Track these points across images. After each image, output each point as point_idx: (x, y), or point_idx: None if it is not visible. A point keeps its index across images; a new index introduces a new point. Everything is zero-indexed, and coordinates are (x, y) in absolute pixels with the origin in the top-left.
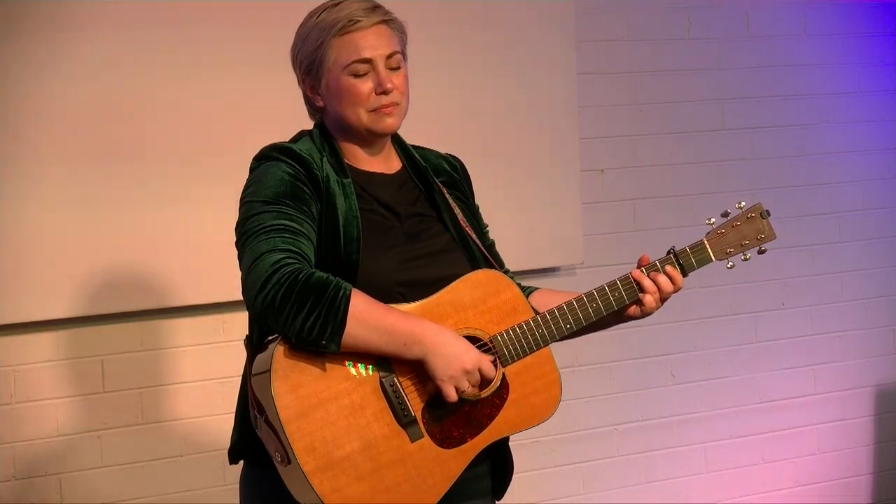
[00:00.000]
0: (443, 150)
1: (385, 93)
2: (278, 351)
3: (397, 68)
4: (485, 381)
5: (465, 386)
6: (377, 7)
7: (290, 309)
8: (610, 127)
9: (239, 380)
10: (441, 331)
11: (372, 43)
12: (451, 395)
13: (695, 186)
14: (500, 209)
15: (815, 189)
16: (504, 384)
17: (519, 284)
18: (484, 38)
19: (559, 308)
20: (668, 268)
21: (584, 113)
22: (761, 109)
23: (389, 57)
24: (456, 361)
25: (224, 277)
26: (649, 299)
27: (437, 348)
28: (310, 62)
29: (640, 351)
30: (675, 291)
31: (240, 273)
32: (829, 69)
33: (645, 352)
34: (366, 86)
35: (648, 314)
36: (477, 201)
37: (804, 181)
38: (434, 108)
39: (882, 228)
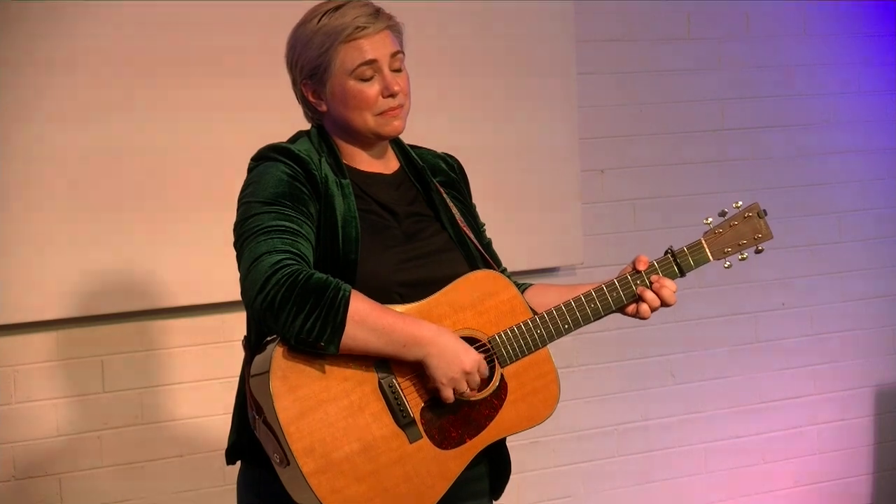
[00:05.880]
0: (443, 150)
1: (392, 95)
2: (277, 352)
3: (399, 70)
4: (483, 382)
5: (464, 387)
6: (379, 11)
7: (290, 310)
8: (610, 127)
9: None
10: (440, 332)
11: (377, 46)
12: (450, 397)
13: (695, 186)
14: (500, 209)
15: (815, 189)
16: (502, 385)
17: (516, 283)
18: (484, 38)
19: (557, 309)
20: (666, 280)
21: (584, 113)
22: (761, 109)
23: (393, 57)
24: (455, 363)
25: (223, 278)
26: (650, 295)
27: (436, 350)
28: (313, 67)
29: (640, 351)
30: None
31: (239, 273)
32: (829, 69)
33: (645, 352)
34: (373, 90)
35: (647, 314)
36: (477, 201)
37: (804, 181)
38: (434, 109)
39: (882, 228)
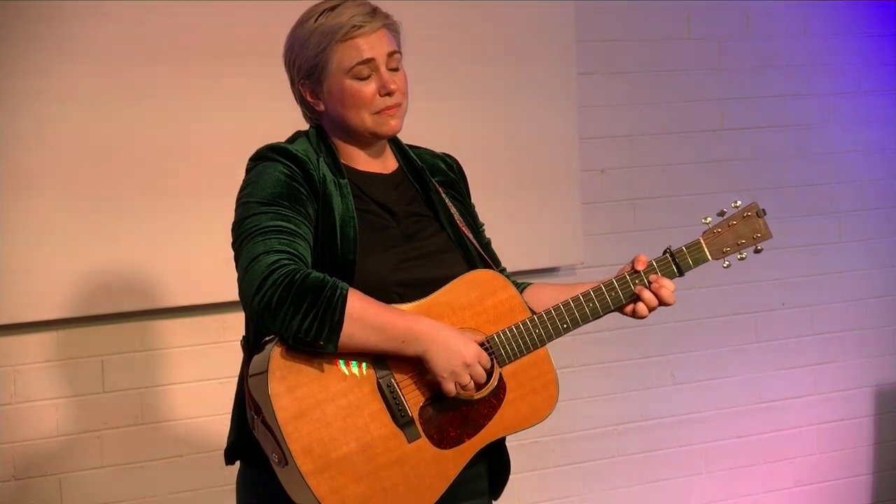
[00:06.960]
0: (442, 150)
1: (389, 94)
2: (275, 352)
3: (396, 69)
4: (482, 382)
5: (466, 380)
6: (376, 10)
7: (287, 310)
8: (610, 127)
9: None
10: (439, 326)
11: (374, 45)
12: (452, 391)
13: (695, 186)
14: (500, 209)
15: (815, 189)
16: (501, 384)
17: (514, 282)
18: (484, 38)
19: (556, 308)
20: (665, 280)
21: (584, 113)
22: (761, 109)
23: (390, 56)
24: (456, 356)
25: (223, 278)
26: (648, 295)
27: (436, 344)
28: (311, 67)
29: (640, 351)
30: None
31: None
32: (829, 69)
33: (645, 352)
34: (369, 88)
35: (644, 313)
36: (476, 201)
37: (804, 181)
38: (434, 109)
39: (882, 228)
